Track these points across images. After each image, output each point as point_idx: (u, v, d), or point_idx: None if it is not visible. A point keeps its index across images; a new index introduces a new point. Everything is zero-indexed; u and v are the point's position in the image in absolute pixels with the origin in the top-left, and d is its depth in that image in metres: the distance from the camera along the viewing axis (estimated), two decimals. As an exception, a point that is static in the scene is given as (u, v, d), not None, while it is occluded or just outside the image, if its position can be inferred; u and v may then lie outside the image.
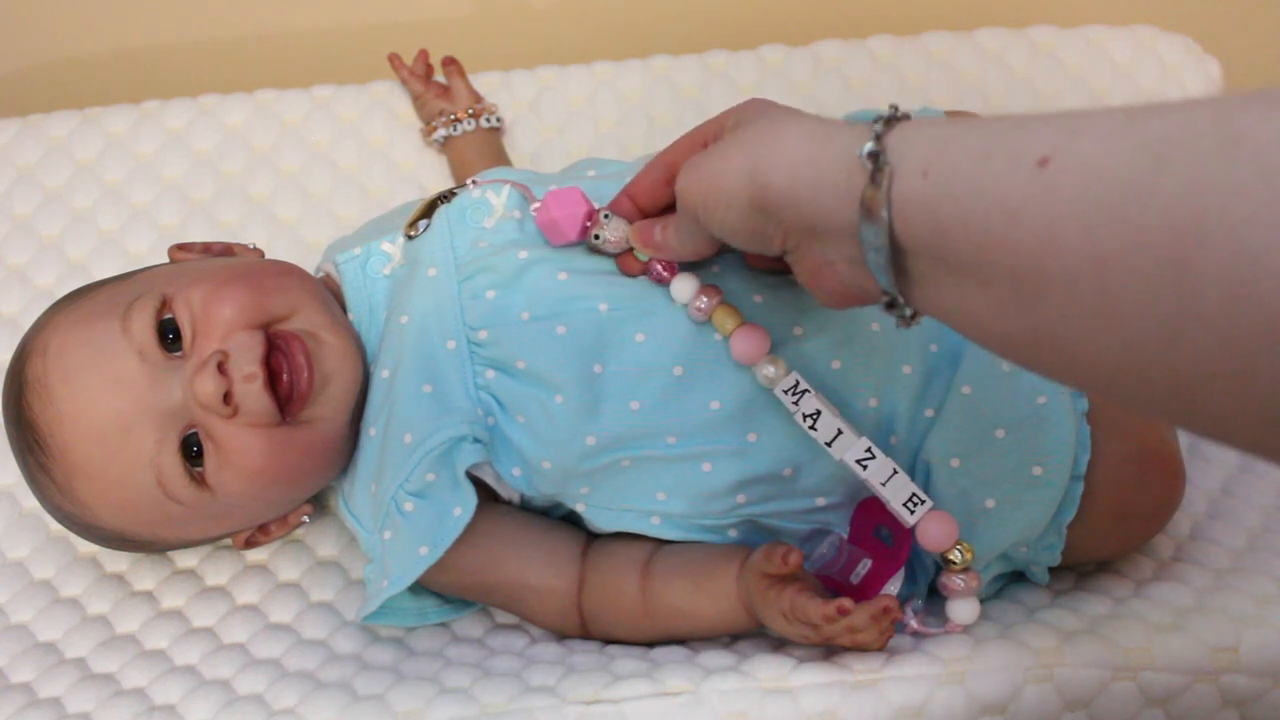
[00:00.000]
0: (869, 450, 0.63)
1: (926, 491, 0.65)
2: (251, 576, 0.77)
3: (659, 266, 0.66)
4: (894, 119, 0.48)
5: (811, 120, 0.53)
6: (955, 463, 0.66)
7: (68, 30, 1.08)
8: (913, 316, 0.50)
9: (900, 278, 0.49)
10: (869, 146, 0.47)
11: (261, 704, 0.66)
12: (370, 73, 0.98)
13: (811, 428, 0.63)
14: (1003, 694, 0.61)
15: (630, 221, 0.66)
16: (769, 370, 0.64)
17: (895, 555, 0.64)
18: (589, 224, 0.66)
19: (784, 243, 0.54)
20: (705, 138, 0.61)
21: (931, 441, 0.67)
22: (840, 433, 0.63)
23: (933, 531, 0.62)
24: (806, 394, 0.63)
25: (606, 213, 0.66)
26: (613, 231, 0.66)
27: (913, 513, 0.62)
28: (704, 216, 0.57)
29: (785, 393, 0.64)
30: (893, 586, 0.64)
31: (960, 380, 0.67)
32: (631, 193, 0.65)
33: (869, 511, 0.66)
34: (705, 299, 0.65)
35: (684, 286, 0.65)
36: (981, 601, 0.70)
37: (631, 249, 0.66)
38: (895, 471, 0.62)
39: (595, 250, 0.67)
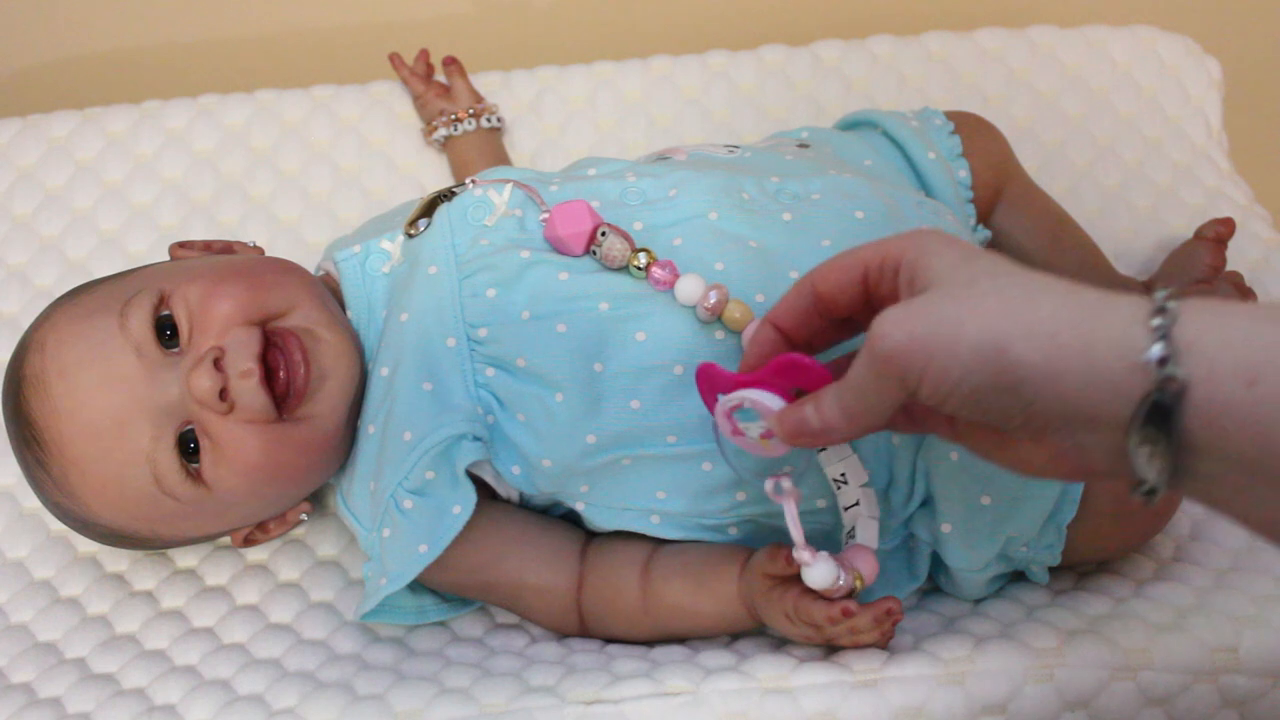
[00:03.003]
0: (843, 475, 0.63)
1: (926, 490, 0.66)
2: (251, 576, 0.77)
3: (658, 271, 0.66)
4: (1172, 298, 0.43)
5: (1063, 287, 0.46)
6: (954, 455, 0.66)
7: (68, 30, 1.08)
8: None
9: (1178, 474, 0.43)
10: (1157, 350, 0.41)
11: (261, 704, 0.66)
12: (370, 73, 0.98)
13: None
14: (1003, 694, 0.61)
15: (767, 348, 0.58)
16: None
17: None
18: (592, 241, 0.67)
19: (1025, 423, 0.47)
20: (865, 268, 0.53)
21: (931, 439, 0.67)
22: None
23: (859, 560, 0.62)
24: None
25: (604, 229, 0.67)
26: (610, 248, 0.66)
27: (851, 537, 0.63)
28: (921, 386, 0.48)
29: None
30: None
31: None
32: (776, 320, 0.58)
33: (784, 376, 0.58)
34: (714, 296, 0.65)
35: (690, 286, 0.65)
36: (981, 601, 0.70)
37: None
38: (856, 503, 0.63)
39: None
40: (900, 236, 0.52)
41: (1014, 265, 0.49)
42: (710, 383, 0.60)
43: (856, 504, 0.64)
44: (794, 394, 0.57)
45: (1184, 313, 0.42)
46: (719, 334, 0.66)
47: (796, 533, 0.59)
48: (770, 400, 0.56)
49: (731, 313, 0.65)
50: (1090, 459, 0.47)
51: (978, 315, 0.46)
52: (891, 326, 0.48)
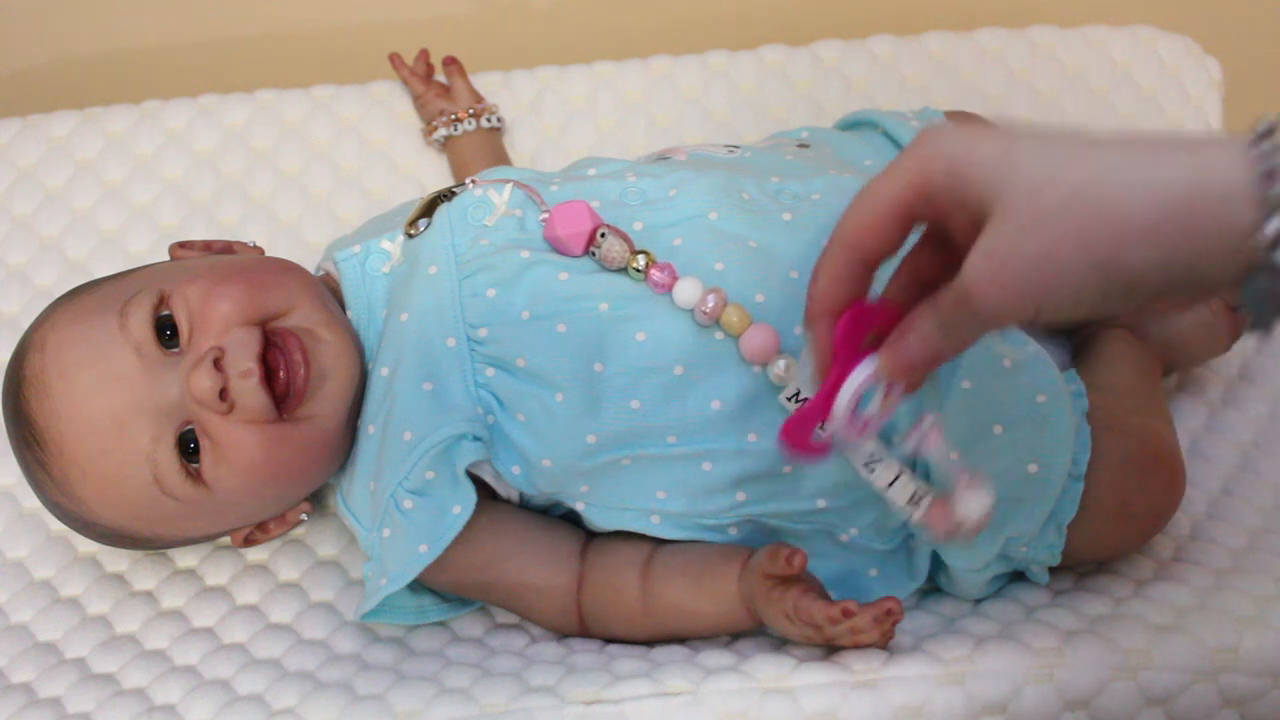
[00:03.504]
0: (873, 454, 0.61)
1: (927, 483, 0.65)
2: (251, 576, 0.77)
3: (656, 274, 0.66)
4: (1268, 151, 0.40)
5: (1128, 152, 0.43)
6: (954, 455, 0.66)
7: (68, 30, 1.08)
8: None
9: None
10: (1271, 229, 0.39)
11: (261, 704, 0.66)
12: (370, 73, 0.98)
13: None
14: (1003, 694, 0.61)
15: (828, 343, 0.52)
16: (780, 368, 0.64)
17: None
18: (591, 241, 0.67)
19: (1135, 314, 0.47)
20: (906, 208, 0.48)
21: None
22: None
23: (937, 517, 0.59)
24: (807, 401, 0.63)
25: (603, 230, 0.67)
26: (609, 249, 0.66)
27: (917, 507, 0.60)
28: (1036, 321, 0.45)
29: (789, 400, 0.64)
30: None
31: (961, 375, 0.67)
32: (829, 306, 0.52)
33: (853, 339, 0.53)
34: (712, 300, 0.65)
35: (688, 290, 0.65)
36: (981, 601, 0.70)
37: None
38: (899, 475, 0.61)
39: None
40: (916, 157, 0.48)
41: (1049, 135, 0.45)
42: (802, 427, 0.55)
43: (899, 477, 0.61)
44: (872, 344, 0.52)
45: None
46: (718, 335, 0.66)
47: (950, 465, 0.55)
48: (865, 369, 0.52)
49: (729, 317, 0.65)
50: (1202, 296, 0.45)
51: (1071, 240, 0.43)
52: (988, 286, 0.45)
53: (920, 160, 0.48)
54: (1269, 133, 0.41)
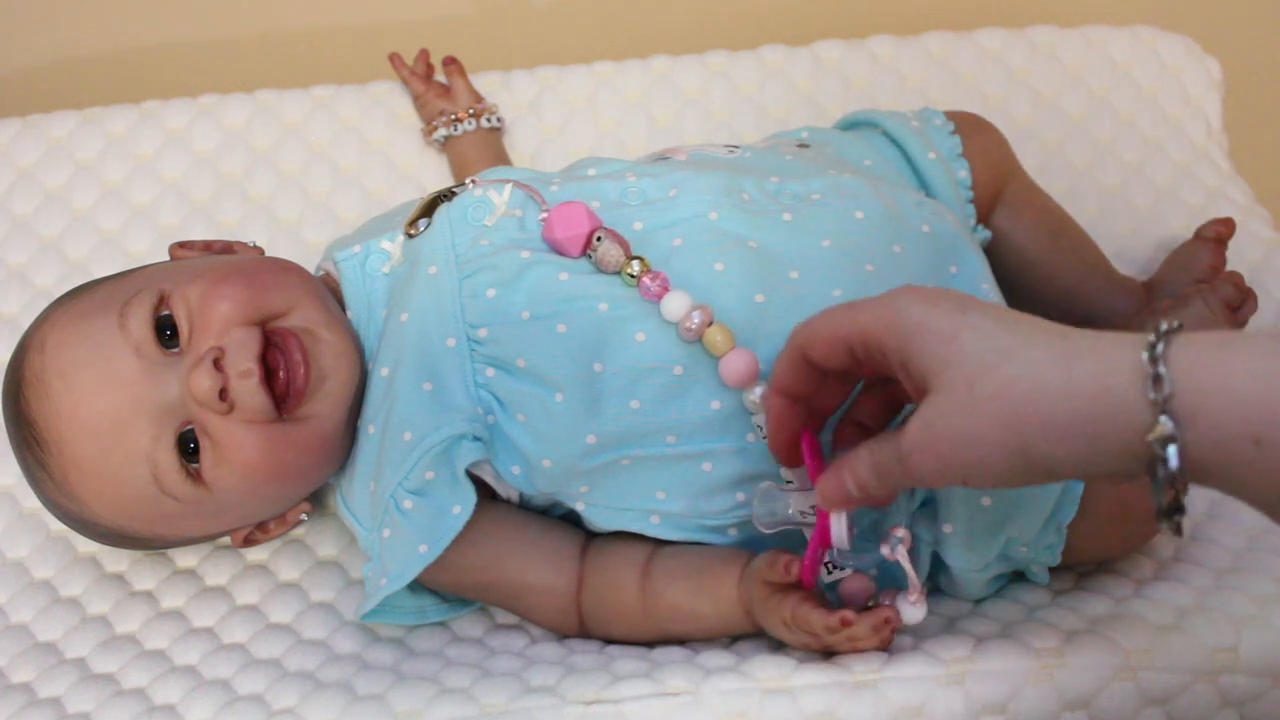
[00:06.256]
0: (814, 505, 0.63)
1: (927, 490, 0.65)
2: (251, 576, 0.77)
3: (648, 282, 0.66)
4: (1158, 336, 0.45)
5: (1055, 354, 0.48)
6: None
7: (68, 30, 1.08)
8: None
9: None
10: (1163, 428, 0.44)
11: (261, 704, 0.66)
12: (370, 73, 0.98)
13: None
14: (1002, 694, 0.61)
15: (786, 422, 0.60)
16: (756, 395, 0.64)
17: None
18: (588, 244, 0.68)
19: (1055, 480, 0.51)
20: (849, 345, 0.54)
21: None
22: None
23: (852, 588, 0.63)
24: None
25: (600, 234, 0.67)
26: (605, 253, 0.67)
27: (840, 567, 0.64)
28: (962, 484, 0.52)
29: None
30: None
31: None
32: (780, 387, 0.59)
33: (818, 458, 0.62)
34: (697, 317, 0.65)
35: (675, 304, 0.65)
36: (981, 601, 0.70)
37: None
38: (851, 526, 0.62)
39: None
40: (873, 313, 0.53)
41: (995, 324, 0.50)
42: (816, 566, 0.61)
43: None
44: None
45: (1181, 375, 0.44)
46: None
47: (914, 578, 0.61)
48: (836, 529, 0.58)
49: (713, 336, 0.65)
50: (1119, 479, 0.49)
51: (996, 427, 0.48)
52: (922, 455, 0.51)
53: (879, 319, 0.53)
54: (1166, 332, 0.45)
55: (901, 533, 0.61)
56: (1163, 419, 0.44)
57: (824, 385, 0.59)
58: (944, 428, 0.50)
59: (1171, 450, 0.44)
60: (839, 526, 0.58)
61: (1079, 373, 0.47)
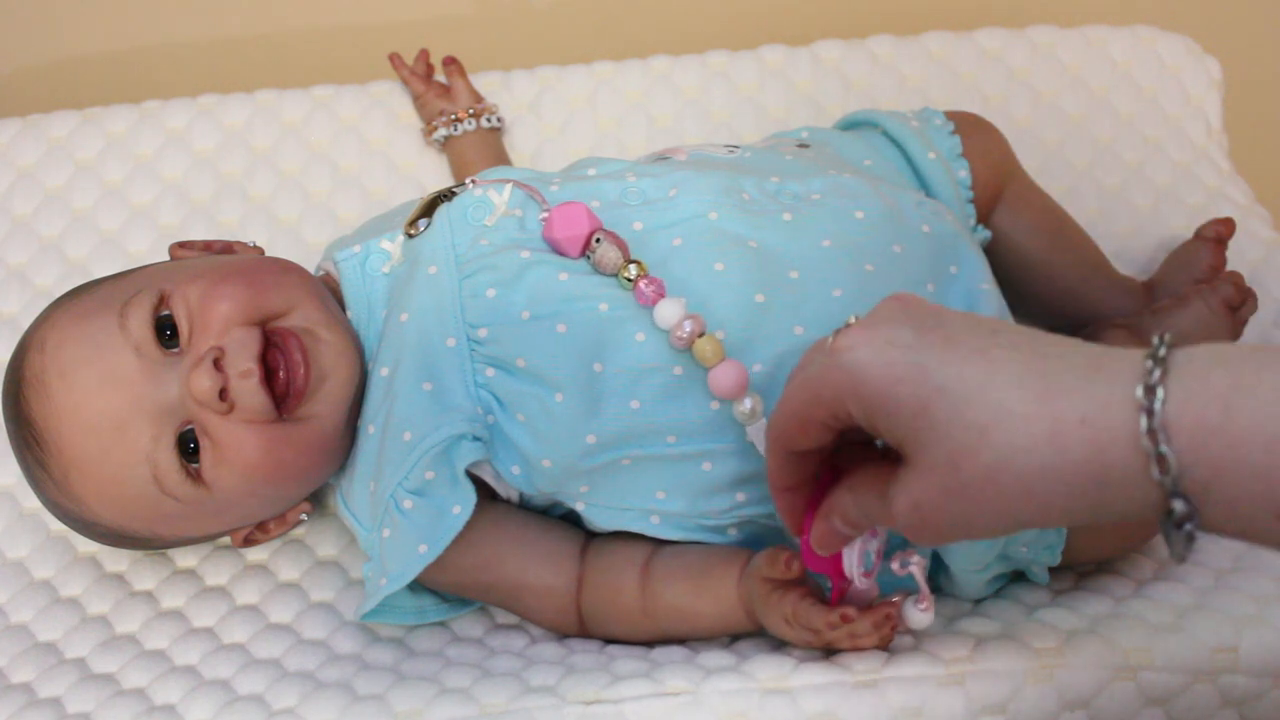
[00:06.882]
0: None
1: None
2: (251, 576, 0.77)
3: (644, 286, 0.66)
4: (1152, 390, 0.42)
5: (1037, 410, 0.45)
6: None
7: (68, 30, 1.08)
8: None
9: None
10: (1178, 510, 0.42)
11: (261, 704, 0.66)
12: (370, 73, 0.98)
13: None
14: (1003, 694, 0.61)
15: (792, 509, 0.58)
16: (745, 406, 0.64)
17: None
18: (588, 245, 0.68)
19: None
20: (822, 423, 0.52)
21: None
22: None
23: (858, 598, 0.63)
24: None
25: (599, 235, 0.67)
26: (603, 255, 0.67)
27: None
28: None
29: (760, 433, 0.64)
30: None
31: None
32: (779, 484, 0.57)
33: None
34: (689, 326, 0.65)
35: (667, 311, 0.65)
36: (981, 601, 0.70)
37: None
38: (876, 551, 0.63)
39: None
40: (825, 382, 0.50)
41: (960, 378, 0.47)
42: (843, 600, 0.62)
43: None
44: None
45: (1185, 448, 0.42)
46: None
47: (924, 587, 0.61)
48: (851, 549, 0.59)
49: (703, 347, 0.64)
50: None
51: (990, 513, 0.47)
52: (912, 530, 0.50)
53: (833, 386, 0.50)
54: (1157, 368, 0.43)
55: (916, 557, 0.60)
56: (1176, 503, 0.42)
57: (823, 457, 0.56)
58: (934, 512, 0.48)
59: (1187, 526, 0.43)
60: (849, 559, 0.59)
61: (1070, 448, 0.44)
